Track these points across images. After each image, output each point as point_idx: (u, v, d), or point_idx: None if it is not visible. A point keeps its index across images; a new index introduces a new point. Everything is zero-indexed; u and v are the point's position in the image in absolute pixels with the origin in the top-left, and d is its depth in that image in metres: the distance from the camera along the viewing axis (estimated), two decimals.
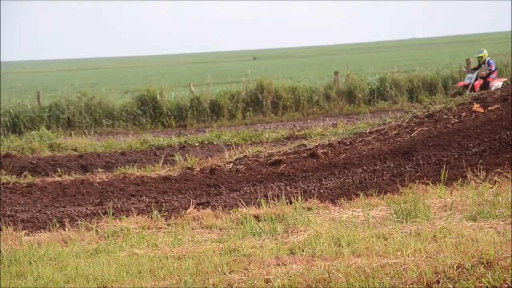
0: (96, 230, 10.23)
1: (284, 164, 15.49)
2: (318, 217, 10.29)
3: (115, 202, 13.08)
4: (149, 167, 16.45)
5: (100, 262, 8.55)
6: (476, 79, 27.13)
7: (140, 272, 8.04)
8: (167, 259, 8.54)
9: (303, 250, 8.51)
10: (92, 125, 30.30)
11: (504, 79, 29.18)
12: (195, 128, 29.06)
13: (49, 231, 10.55)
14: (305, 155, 16.12)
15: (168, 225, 10.60)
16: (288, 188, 13.31)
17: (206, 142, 21.97)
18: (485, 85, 26.98)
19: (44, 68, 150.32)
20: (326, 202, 11.61)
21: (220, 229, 10.18)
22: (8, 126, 29.55)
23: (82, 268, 8.34)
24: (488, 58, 27.43)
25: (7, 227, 10.31)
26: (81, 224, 10.56)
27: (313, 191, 12.69)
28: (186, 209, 11.52)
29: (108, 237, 9.85)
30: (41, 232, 10.59)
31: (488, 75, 27.27)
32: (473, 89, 26.88)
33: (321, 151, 16.15)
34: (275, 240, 9.20)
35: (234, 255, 8.54)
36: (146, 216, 11.04)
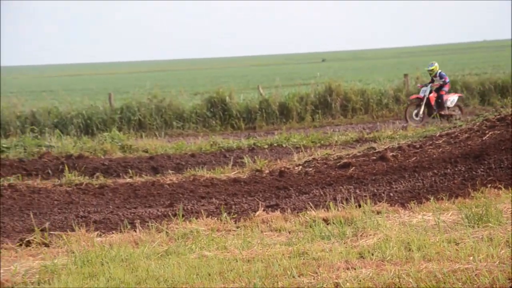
0: (167, 232, 10.33)
1: (353, 167, 15.43)
2: (387, 221, 10.23)
3: (185, 203, 13.19)
4: (219, 169, 16.54)
5: (170, 264, 8.63)
6: (430, 92, 26.79)
7: (209, 275, 8.10)
8: (236, 261, 8.58)
9: (372, 254, 8.47)
10: (163, 127, 30.58)
11: (459, 94, 28.80)
12: (264, 130, 29.11)
13: (120, 232, 10.69)
14: (374, 158, 16.03)
15: (238, 227, 10.65)
16: (357, 191, 13.26)
17: (275, 144, 22.00)
18: (440, 99, 26.75)
19: (116, 70, 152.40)
20: (396, 205, 11.53)
21: (289, 232, 10.19)
22: (81, 127, 29.99)
23: (153, 269, 8.44)
24: (439, 71, 27.05)
25: (79, 228, 10.47)
26: (151, 225, 10.68)
27: (382, 195, 12.61)
28: (255, 212, 11.56)
29: (178, 239, 9.93)
30: (112, 233, 10.73)
31: (441, 87, 26.85)
32: (428, 102, 26.74)
33: (391, 154, 16.05)
34: (344, 243, 9.17)
35: (303, 259, 8.54)
36: (216, 218, 11.11)
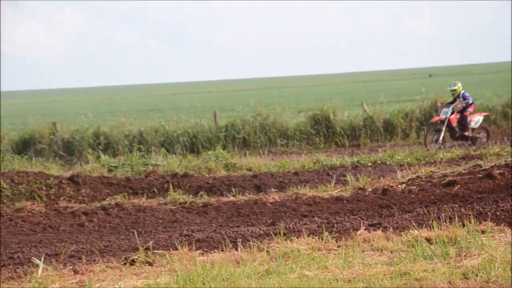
0: (267, 251, 10.35)
1: (458, 185, 15.17)
2: (493, 241, 10.01)
3: (287, 222, 13.20)
4: (321, 187, 16.51)
5: (271, 284, 8.64)
6: (452, 113, 25.49)
7: None
8: (337, 281, 8.53)
9: (476, 275, 8.30)
10: (267, 144, 30.70)
11: (484, 113, 27.27)
12: (368, 148, 28.91)
13: (222, 251, 10.77)
14: (480, 175, 15.71)
15: (339, 246, 10.59)
16: (462, 209, 13.00)
17: (379, 161, 21.82)
18: (463, 120, 25.43)
19: (224, 87, 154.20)
20: (502, 225, 11.26)
21: (391, 252, 10.07)
22: (186, 146, 30.37)
23: None
24: (463, 91, 25.64)
25: (182, 247, 10.60)
26: (253, 244, 10.73)
27: (488, 213, 12.32)
28: (357, 230, 11.47)
29: (279, 258, 9.94)
30: (214, 252, 10.82)
31: (465, 108, 25.58)
32: (449, 124, 25.43)
33: (497, 171, 15.69)
34: (447, 264, 9.01)
35: (405, 279, 8.44)
36: (317, 237, 11.07)
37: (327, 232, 11.20)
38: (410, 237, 10.59)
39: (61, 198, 17.21)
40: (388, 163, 21.40)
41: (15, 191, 17.45)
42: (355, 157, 22.80)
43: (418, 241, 10.17)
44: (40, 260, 9.54)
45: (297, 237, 11.11)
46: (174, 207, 15.54)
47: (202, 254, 10.62)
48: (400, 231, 11.26)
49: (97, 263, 10.42)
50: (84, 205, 16.32)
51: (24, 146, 30.21)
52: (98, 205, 16.02)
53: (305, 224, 13.00)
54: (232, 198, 16.13)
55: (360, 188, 15.96)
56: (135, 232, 12.76)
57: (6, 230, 14.23)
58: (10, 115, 63.17)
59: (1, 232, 14.08)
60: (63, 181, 17.96)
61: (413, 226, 11.28)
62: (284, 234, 11.25)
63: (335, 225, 12.53)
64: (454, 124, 25.50)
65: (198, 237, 12.31)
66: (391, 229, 11.48)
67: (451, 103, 25.85)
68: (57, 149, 29.82)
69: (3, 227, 14.48)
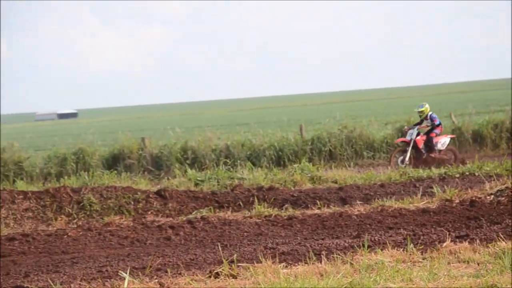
0: (351, 263, 10.29)
1: None
2: None
3: (372, 234, 13.10)
4: (407, 199, 16.33)
5: None
6: (417, 135, 24.86)
7: None
8: None
9: None
10: (353, 157, 30.58)
11: (451, 135, 26.35)
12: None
13: (306, 263, 10.75)
14: None
15: (424, 258, 10.45)
16: None
17: (467, 173, 21.44)
18: (429, 141, 24.76)
19: (309, 101, 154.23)
20: None
21: (478, 264, 9.90)
22: (273, 159, 30.48)
23: None
24: (430, 113, 25.20)
25: (266, 260, 10.62)
26: (336, 257, 10.67)
27: None
28: (443, 242, 11.31)
29: (362, 271, 9.87)
30: (298, 264, 10.81)
31: (431, 130, 24.91)
32: (415, 145, 24.72)
33: None
34: None
35: None
36: (402, 250, 10.95)
37: (412, 244, 11.07)
38: (497, 248, 10.39)
39: (149, 212, 17.47)
40: (476, 174, 21.02)
41: (104, 206, 17.79)
42: (442, 169, 22.47)
43: (505, 253, 9.96)
44: (126, 273, 9.68)
45: (382, 249, 11.01)
46: (259, 220, 15.59)
47: (286, 266, 10.61)
48: (487, 243, 11.06)
49: (182, 276, 10.52)
50: (171, 219, 16.52)
51: (113, 161, 30.82)
52: (184, 218, 16.20)
53: (390, 236, 12.88)
54: (317, 211, 16.10)
55: (447, 200, 15.74)
56: (219, 246, 12.85)
57: (95, 244, 14.51)
58: (102, 132, 64.46)
59: (91, 246, 14.37)
60: (151, 196, 18.22)
61: (501, 238, 11.06)
62: (369, 247, 11.17)
63: (421, 237, 12.38)
64: (420, 145, 25.14)
65: (283, 250, 12.31)
66: (478, 241, 11.28)
67: (418, 123, 25.66)
68: (146, 164, 30.31)
69: (92, 241, 14.77)
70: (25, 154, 31.59)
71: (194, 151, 30.82)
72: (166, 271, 10.86)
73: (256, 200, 17.32)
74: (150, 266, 11.24)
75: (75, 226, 16.38)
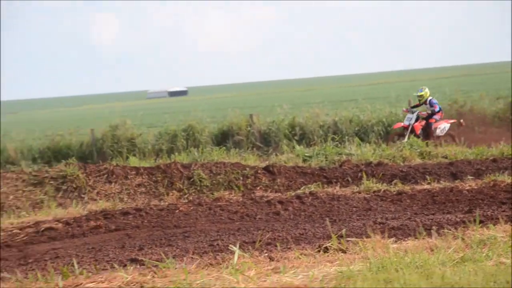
0: (462, 238, 10.15)
1: None
2: None
3: (484, 209, 12.89)
4: None
5: (466, 271, 8.46)
6: (416, 120, 23.47)
7: (507, 282, 7.85)
8: None
9: None
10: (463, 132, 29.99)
11: (452, 121, 24.40)
12: None
13: (415, 239, 10.66)
14: None
15: None
16: None
17: None
18: (428, 127, 23.38)
19: (417, 77, 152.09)
20: None
21: None
22: (381, 135, 30.16)
23: (448, 276, 8.31)
24: (430, 98, 23.73)
25: (375, 235, 10.57)
26: (447, 232, 10.54)
27: None
28: None
29: (474, 246, 9.72)
30: (408, 239, 10.73)
31: (431, 116, 23.47)
32: (413, 131, 23.35)
33: None
34: None
35: None
36: None
37: None
38: None
39: (257, 188, 17.62)
40: None
41: (214, 181, 18.04)
42: None
43: None
44: (236, 247, 9.80)
45: (494, 225, 10.82)
46: (368, 196, 15.53)
47: (395, 242, 10.55)
48: None
49: (291, 250, 10.57)
50: (279, 194, 16.63)
51: (222, 138, 31.11)
52: (293, 194, 16.28)
53: (503, 211, 12.64)
54: (426, 186, 15.93)
55: None
56: (328, 220, 12.86)
57: (206, 219, 14.73)
58: (211, 109, 65.15)
59: (201, 220, 14.60)
60: (259, 171, 18.36)
61: None
62: (481, 222, 10.98)
63: None
64: (418, 131, 24.07)
65: (393, 225, 12.24)
66: None
67: (415, 106, 24.52)
68: (254, 140, 30.49)
69: (203, 215, 15.00)
70: (138, 131, 32.27)
71: (302, 127, 30.81)
72: (276, 245, 10.94)
73: (364, 176, 17.26)
74: (260, 241, 11.34)
75: (186, 201, 16.67)
